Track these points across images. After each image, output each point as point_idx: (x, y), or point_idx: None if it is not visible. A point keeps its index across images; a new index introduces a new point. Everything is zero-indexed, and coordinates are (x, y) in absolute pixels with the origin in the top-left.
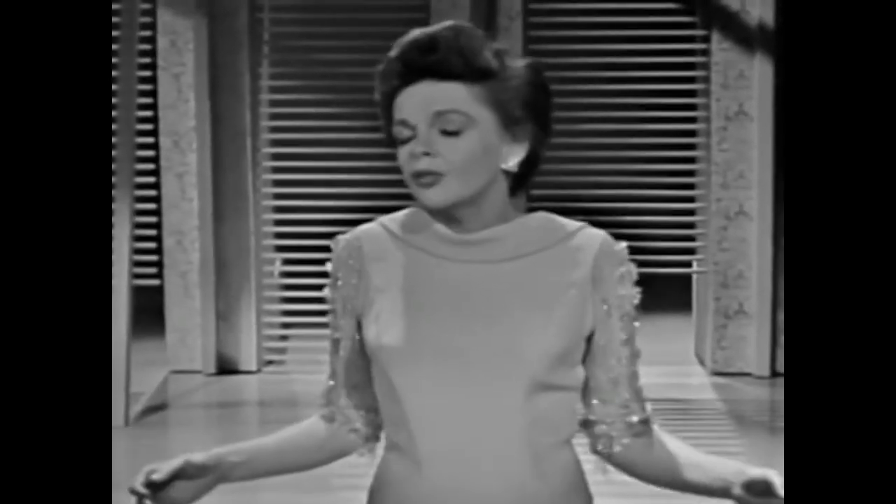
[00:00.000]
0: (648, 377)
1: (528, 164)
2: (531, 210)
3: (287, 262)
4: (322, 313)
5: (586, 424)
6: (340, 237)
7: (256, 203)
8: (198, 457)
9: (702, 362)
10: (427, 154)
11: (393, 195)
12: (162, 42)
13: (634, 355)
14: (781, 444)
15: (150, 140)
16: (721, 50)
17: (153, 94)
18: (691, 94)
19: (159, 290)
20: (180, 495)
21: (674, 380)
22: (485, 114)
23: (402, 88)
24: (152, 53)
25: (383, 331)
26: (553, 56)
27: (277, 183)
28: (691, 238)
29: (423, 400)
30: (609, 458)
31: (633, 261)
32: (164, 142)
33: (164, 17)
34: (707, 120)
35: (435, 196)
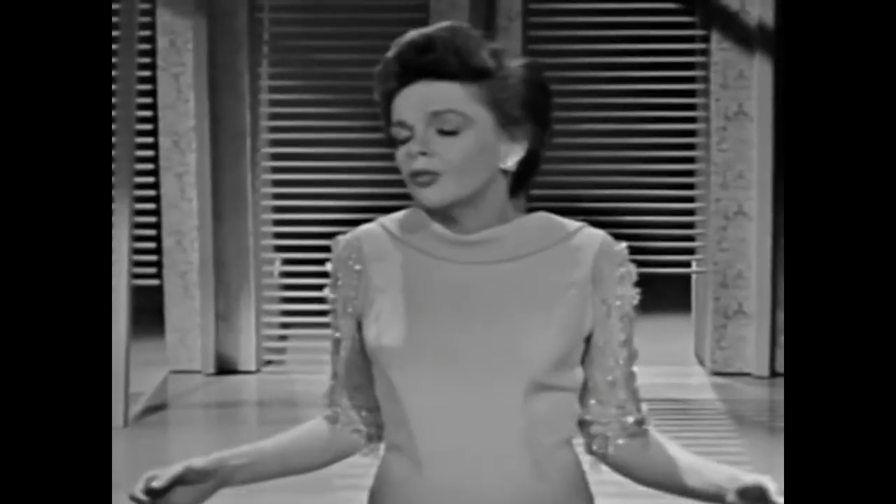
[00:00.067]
0: (648, 377)
1: (528, 164)
2: (531, 210)
3: (286, 262)
4: (321, 313)
5: (582, 424)
6: (340, 237)
7: (256, 203)
8: (199, 462)
9: (701, 362)
10: (424, 154)
11: (393, 195)
12: (161, 42)
13: (632, 356)
14: (781, 444)
15: (150, 140)
16: (721, 50)
17: (153, 94)
18: (691, 94)
19: (159, 290)
20: (181, 500)
21: (673, 380)
22: (482, 113)
23: (400, 89)
24: (152, 53)
25: (383, 331)
26: (553, 56)
27: (277, 183)
28: (691, 238)
29: (423, 400)
30: (604, 458)
31: (633, 261)
32: (164, 142)
33: (164, 17)
34: (706, 120)
35: (432, 195)
